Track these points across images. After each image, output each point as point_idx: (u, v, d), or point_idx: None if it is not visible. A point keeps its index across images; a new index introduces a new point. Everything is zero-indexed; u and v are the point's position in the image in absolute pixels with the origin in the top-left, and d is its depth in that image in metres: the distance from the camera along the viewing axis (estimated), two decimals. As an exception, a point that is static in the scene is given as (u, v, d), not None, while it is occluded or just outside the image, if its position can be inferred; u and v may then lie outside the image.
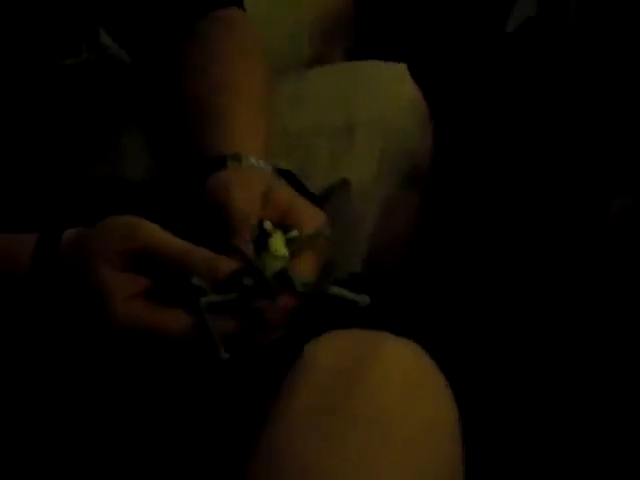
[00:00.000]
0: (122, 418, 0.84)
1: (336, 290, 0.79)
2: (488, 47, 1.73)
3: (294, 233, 0.81)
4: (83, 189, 1.03)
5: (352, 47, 1.48)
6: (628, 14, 1.57)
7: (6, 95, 0.94)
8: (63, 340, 0.82)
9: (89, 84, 1.01)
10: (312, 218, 0.85)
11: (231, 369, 0.79)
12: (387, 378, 0.78)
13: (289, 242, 0.80)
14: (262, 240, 0.79)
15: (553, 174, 1.62)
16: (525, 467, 1.32)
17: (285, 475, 0.73)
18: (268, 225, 0.80)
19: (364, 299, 0.79)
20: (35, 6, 0.93)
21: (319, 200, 1.02)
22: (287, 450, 0.74)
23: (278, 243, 0.79)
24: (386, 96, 1.16)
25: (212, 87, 0.99)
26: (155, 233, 0.78)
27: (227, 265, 0.78)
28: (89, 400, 0.85)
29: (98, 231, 0.79)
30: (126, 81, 1.07)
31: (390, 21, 1.73)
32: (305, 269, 0.81)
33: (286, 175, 0.96)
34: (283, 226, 0.81)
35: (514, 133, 1.67)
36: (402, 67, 1.19)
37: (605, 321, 1.46)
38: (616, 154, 1.59)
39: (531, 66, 1.69)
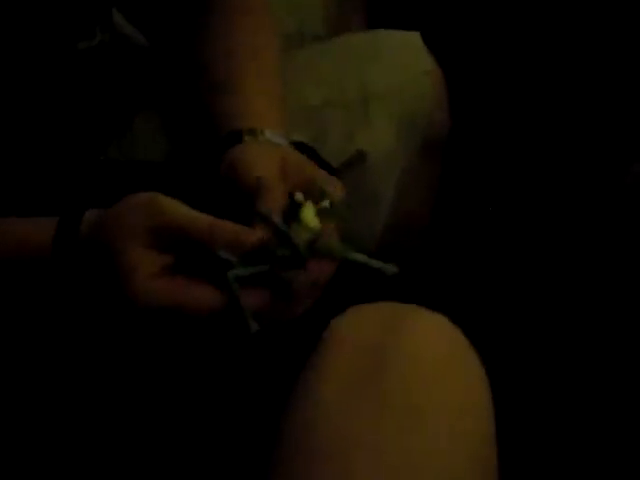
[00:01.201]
0: (137, 400, 0.84)
1: (364, 258, 0.78)
2: (500, 12, 1.72)
3: (325, 203, 0.79)
4: (99, 172, 1.03)
5: (366, 19, 1.47)
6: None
7: (21, 80, 0.94)
8: (77, 326, 0.82)
9: (104, 67, 1.01)
10: (330, 187, 0.85)
11: (260, 342, 0.78)
12: (418, 353, 0.77)
13: (320, 212, 0.79)
14: (293, 211, 0.78)
15: (570, 142, 1.62)
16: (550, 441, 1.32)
17: (314, 450, 0.72)
18: (299, 196, 0.79)
19: (391, 268, 0.78)
20: None
21: (335, 170, 1.01)
22: (316, 425, 0.73)
23: (309, 215, 0.78)
24: (401, 66, 1.15)
25: (227, 61, 0.98)
26: (177, 208, 0.77)
27: (254, 236, 0.77)
28: (94, 396, 0.84)
29: (120, 209, 0.79)
30: (140, 61, 1.07)
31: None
32: (331, 238, 0.81)
33: (302, 147, 0.95)
34: (313, 197, 0.80)
35: (529, 100, 1.66)
36: (416, 35, 1.18)
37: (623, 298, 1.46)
38: (632, 120, 1.58)
39: (547, 30, 1.68)
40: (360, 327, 0.79)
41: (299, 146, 0.94)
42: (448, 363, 0.78)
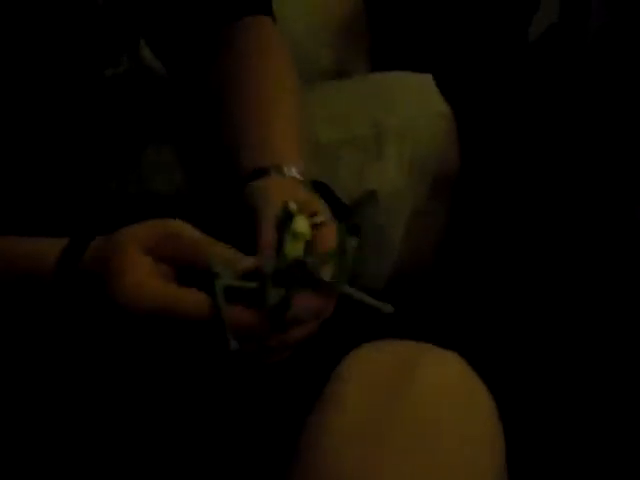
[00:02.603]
0: (128, 420, 0.84)
1: (358, 295, 0.78)
2: (512, 56, 1.73)
3: (319, 218, 0.80)
4: (110, 203, 1.03)
5: (370, 58, 1.48)
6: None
7: (47, 102, 0.95)
8: (74, 337, 0.82)
9: (124, 96, 1.02)
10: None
11: (239, 364, 0.78)
12: (429, 390, 0.77)
13: (314, 227, 0.78)
14: (285, 222, 0.78)
15: (579, 182, 1.62)
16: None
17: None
18: (293, 206, 0.79)
19: (387, 307, 0.77)
20: (78, 18, 0.94)
21: (347, 209, 1.02)
22: (330, 462, 0.73)
23: (301, 224, 0.78)
24: (413, 107, 1.16)
25: (249, 99, 0.99)
26: (183, 225, 0.78)
27: (248, 260, 0.77)
28: (90, 401, 0.84)
29: (127, 227, 0.80)
30: (160, 93, 1.08)
31: (413, 31, 1.73)
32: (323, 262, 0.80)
33: (318, 185, 0.96)
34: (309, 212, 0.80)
35: (539, 141, 1.67)
36: (428, 77, 1.19)
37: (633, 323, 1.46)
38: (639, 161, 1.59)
39: (555, 73, 1.69)
40: (372, 364, 0.79)
41: (316, 185, 0.95)
42: (459, 400, 0.78)
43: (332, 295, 0.78)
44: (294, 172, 0.90)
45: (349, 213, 0.94)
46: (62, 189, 0.99)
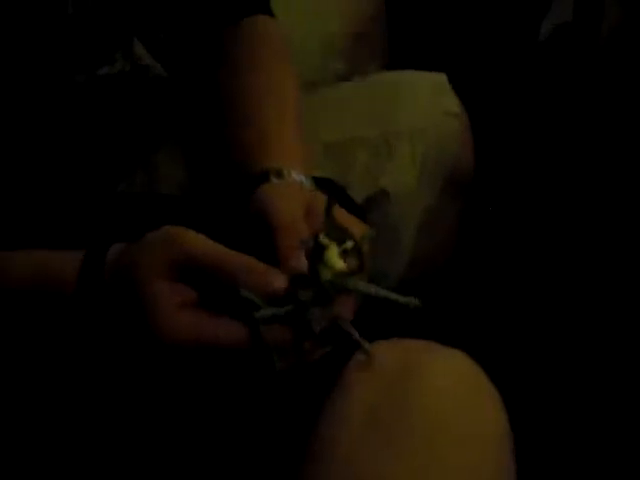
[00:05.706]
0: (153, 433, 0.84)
1: (386, 293, 0.79)
2: (524, 55, 1.73)
3: (349, 244, 0.80)
4: (119, 204, 1.03)
5: (387, 62, 1.48)
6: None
7: (41, 106, 0.94)
8: (79, 341, 0.82)
9: (123, 96, 1.01)
10: (354, 228, 0.85)
11: (283, 379, 0.79)
12: (438, 390, 0.77)
13: (344, 254, 0.79)
14: (318, 253, 0.79)
15: (594, 183, 1.62)
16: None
17: None
18: (324, 239, 0.79)
19: (414, 301, 0.78)
20: (70, 15, 0.94)
21: (360, 207, 1.01)
22: (340, 468, 0.73)
23: (334, 257, 0.79)
24: (426, 106, 1.16)
25: (250, 99, 0.98)
26: (201, 242, 0.77)
27: (280, 281, 0.76)
28: (96, 403, 0.84)
29: (144, 243, 0.78)
30: (160, 94, 1.07)
31: (427, 31, 1.73)
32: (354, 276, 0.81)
33: (327, 183, 0.95)
34: (337, 239, 0.80)
35: (553, 140, 1.67)
36: (442, 77, 1.18)
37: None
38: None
39: (567, 73, 1.69)
40: (378, 365, 0.79)
41: (327, 183, 0.94)
42: (467, 399, 0.78)
43: (356, 297, 0.79)
44: (294, 175, 0.89)
45: (362, 213, 0.94)
46: (69, 192, 0.99)
